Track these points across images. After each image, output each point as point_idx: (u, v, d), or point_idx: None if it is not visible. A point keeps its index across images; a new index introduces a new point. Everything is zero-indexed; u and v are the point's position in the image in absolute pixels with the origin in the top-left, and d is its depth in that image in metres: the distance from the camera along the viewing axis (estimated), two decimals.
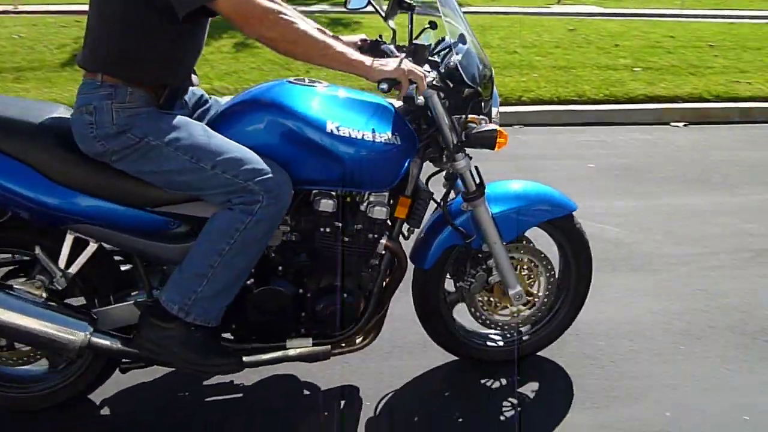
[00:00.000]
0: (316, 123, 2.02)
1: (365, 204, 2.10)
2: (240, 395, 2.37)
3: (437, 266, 2.37)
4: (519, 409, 2.37)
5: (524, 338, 2.57)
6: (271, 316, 2.09)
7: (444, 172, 2.33)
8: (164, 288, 1.99)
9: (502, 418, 2.34)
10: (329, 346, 2.16)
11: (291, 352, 2.12)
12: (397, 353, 2.61)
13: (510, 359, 2.53)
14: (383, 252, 2.18)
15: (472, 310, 2.46)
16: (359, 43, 2.27)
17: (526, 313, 2.49)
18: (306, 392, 2.41)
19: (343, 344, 2.21)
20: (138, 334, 2.01)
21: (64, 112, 2.02)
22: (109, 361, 2.15)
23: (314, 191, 2.07)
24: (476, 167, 2.27)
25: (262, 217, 1.89)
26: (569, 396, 2.45)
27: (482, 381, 2.52)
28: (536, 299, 2.49)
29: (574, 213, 2.47)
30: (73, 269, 2.01)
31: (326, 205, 2.04)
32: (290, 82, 2.11)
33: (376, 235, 2.13)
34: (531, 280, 2.48)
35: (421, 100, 2.13)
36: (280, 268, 2.11)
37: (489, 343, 2.58)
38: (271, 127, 2.01)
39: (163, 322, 1.97)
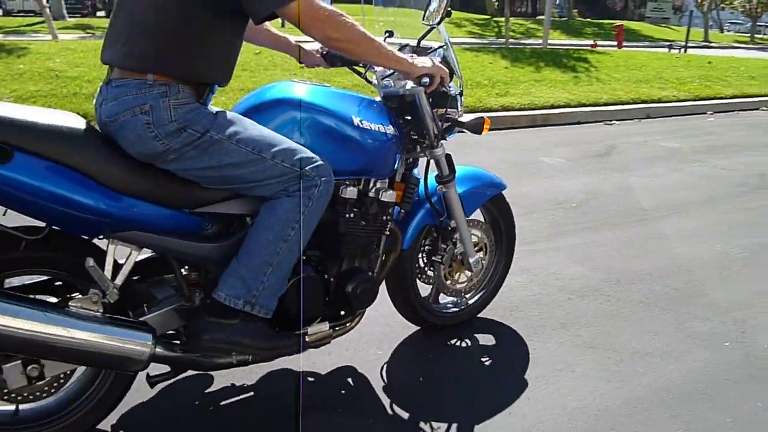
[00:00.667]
0: (345, 117, 2.18)
1: (373, 190, 2.30)
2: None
3: (413, 246, 2.66)
4: (487, 360, 2.70)
5: (470, 302, 2.96)
6: (299, 305, 2.14)
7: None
8: (222, 285, 1.98)
9: (477, 368, 2.63)
10: (331, 330, 2.28)
11: (307, 339, 2.20)
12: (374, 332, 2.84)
13: (462, 321, 2.93)
14: (387, 234, 2.42)
15: (440, 281, 2.80)
16: None
17: (476, 279, 2.91)
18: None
19: (347, 325, 2.36)
20: (197, 338, 1.99)
21: (79, 118, 1.92)
22: (131, 378, 2.08)
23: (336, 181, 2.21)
24: (449, 154, 2.57)
25: (319, 199, 2.01)
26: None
27: (449, 342, 2.83)
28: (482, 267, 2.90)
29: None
30: (119, 280, 1.92)
31: (351, 192, 2.21)
32: (299, 82, 2.25)
33: (387, 217, 2.36)
34: (480, 250, 2.88)
35: (408, 91, 2.37)
36: (304, 257, 2.18)
37: (445, 311, 2.93)
38: (306, 123, 2.12)
39: (225, 318, 1.98)
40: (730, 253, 3.99)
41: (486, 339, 2.85)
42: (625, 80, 10.42)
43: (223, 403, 2.33)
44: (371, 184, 2.32)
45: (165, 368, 2.08)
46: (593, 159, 6.27)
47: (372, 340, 2.76)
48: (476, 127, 2.46)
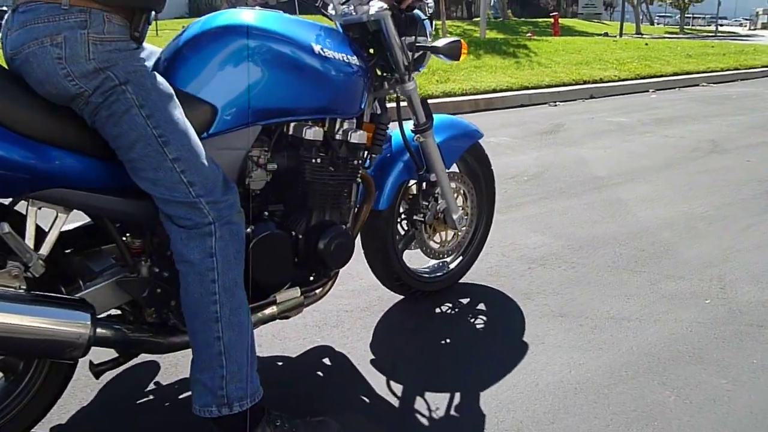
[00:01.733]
0: (304, 44, 1.81)
1: (341, 132, 1.97)
2: None
3: (392, 205, 2.33)
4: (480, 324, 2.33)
5: (452, 266, 2.70)
6: (266, 269, 1.79)
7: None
8: (192, 396, 1.61)
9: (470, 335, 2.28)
10: (303, 297, 1.95)
11: (275, 309, 1.88)
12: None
13: (447, 286, 2.67)
14: (359, 181, 2.08)
15: (424, 243, 2.50)
16: None
17: (459, 238, 2.64)
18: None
19: (317, 291, 2.02)
20: None
21: None
22: (71, 367, 1.70)
23: (292, 122, 1.86)
24: (425, 98, 2.24)
25: (223, 251, 1.56)
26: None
27: (437, 310, 2.53)
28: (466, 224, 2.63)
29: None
30: (44, 250, 1.53)
31: (315, 134, 1.85)
32: (247, 8, 1.88)
33: (358, 162, 2.02)
34: (462, 205, 2.59)
35: (372, 17, 2.04)
36: (265, 213, 1.84)
37: (428, 275, 2.63)
38: (257, 52, 1.73)
39: (221, 428, 1.62)
40: (695, 213, 3.73)
41: (442, 318, 2.49)
42: (565, 63, 10.28)
43: (182, 395, 1.96)
44: (337, 125, 1.97)
45: (111, 354, 1.74)
46: (541, 136, 6.01)
47: (334, 318, 2.37)
48: (452, 51, 2.13)
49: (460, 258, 2.71)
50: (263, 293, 1.85)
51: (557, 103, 8.13)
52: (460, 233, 2.62)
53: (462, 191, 2.60)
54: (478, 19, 22.72)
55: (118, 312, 1.76)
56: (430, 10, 2.25)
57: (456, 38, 2.17)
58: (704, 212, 3.75)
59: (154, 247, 1.68)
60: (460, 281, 2.72)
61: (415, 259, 2.63)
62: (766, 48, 16.14)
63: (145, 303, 1.68)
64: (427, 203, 2.41)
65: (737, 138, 6.01)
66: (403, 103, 2.23)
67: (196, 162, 1.55)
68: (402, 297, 2.58)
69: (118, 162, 1.54)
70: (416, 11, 2.17)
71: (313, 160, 1.89)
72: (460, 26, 28.41)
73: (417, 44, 2.14)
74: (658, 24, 48.69)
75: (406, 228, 2.50)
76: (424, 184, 2.38)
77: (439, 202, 2.44)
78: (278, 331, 2.31)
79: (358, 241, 2.25)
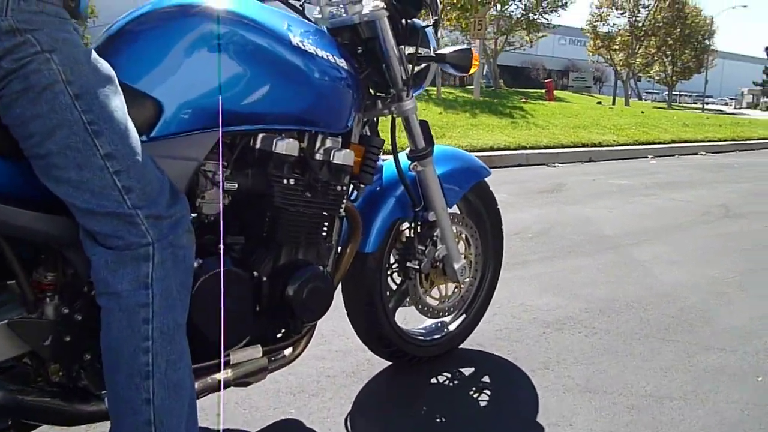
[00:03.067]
0: (281, 35, 1.44)
1: (321, 150, 1.57)
2: None
3: (380, 248, 1.90)
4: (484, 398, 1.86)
5: (450, 327, 2.26)
6: (217, 318, 1.33)
7: None
8: None
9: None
10: (266, 359, 1.52)
11: (229, 373, 1.44)
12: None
13: (446, 351, 2.22)
14: (342, 214, 1.67)
15: (419, 297, 2.06)
16: None
17: (462, 292, 2.21)
18: None
19: (286, 352, 1.60)
20: None
21: None
22: None
23: (261, 132, 1.46)
24: (425, 121, 1.87)
25: (162, 282, 1.15)
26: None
27: (434, 380, 2.06)
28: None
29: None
30: None
31: (289, 147, 1.45)
32: None
33: (342, 188, 1.61)
34: (465, 252, 2.17)
35: (367, 17, 1.69)
36: (220, 245, 1.38)
37: (422, 338, 2.19)
38: (223, 40, 1.35)
39: None
40: (720, 277, 3.33)
41: (440, 390, 2.04)
42: (563, 126, 10.07)
43: None
44: (318, 142, 1.57)
45: None
46: (542, 195, 5.65)
47: (316, 382, 1.91)
48: (462, 60, 1.80)
49: (462, 317, 2.28)
50: (213, 350, 1.41)
51: (556, 164, 7.83)
52: (462, 286, 2.19)
53: (464, 236, 2.18)
54: (470, 86, 22.83)
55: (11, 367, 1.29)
56: (435, 18, 1.90)
57: (466, 46, 1.81)
58: (730, 277, 3.35)
59: (66, 279, 1.24)
60: (462, 346, 2.28)
61: (407, 318, 2.20)
62: (761, 121, 16.16)
63: (48, 355, 1.23)
64: (423, 248, 1.99)
65: (747, 204, 5.68)
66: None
67: (136, 162, 1.14)
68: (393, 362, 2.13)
69: (22, 159, 1.12)
70: (416, 20, 1.82)
71: (285, 181, 1.49)
72: (453, 92, 28.60)
73: (419, 55, 1.77)
74: (645, 100, 49.49)
75: (398, 279, 2.07)
76: (420, 224, 1.97)
77: (438, 247, 2.03)
78: (243, 398, 1.86)
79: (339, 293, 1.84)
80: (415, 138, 1.88)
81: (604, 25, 37.54)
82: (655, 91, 55.63)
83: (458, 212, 2.22)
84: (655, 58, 38.88)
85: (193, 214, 1.45)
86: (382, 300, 1.97)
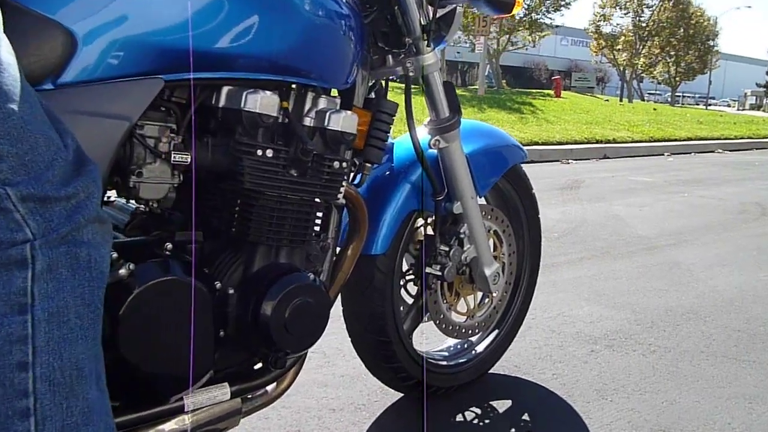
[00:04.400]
0: None
1: (313, 111, 1.13)
2: None
3: (391, 249, 1.46)
4: None
5: (478, 348, 1.80)
6: (161, 349, 0.96)
7: None
8: None
9: None
10: (239, 401, 1.10)
11: (186, 422, 1.01)
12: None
13: (474, 377, 1.76)
14: (341, 201, 1.23)
15: (441, 312, 1.60)
16: None
17: (494, 303, 1.75)
18: None
19: (267, 389, 1.17)
20: None
21: None
22: None
23: (226, 83, 1.02)
24: (450, 83, 1.43)
25: (54, 302, 0.71)
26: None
27: (459, 417, 1.59)
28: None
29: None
30: None
31: (264, 103, 1.01)
32: None
33: (342, 167, 1.16)
34: (496, 253, 1.70)
35: None
36: (167, 245, 0.98)
37: (446, 362, 1.74)
38: None
39: None
40: None
41: (478, 429, 1.58)
42: (575, 122, 9.63)
43: None
44: (308, 99, 1.13)
45: None
46: (561, 191, 5.20)
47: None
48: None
49: (494, 334, 1.82)
50: (158, 394, 0.96)
51: (570, 160, 7.38)
52: (494, 296, 1.73)
53: (493, 232, 1.72)
54: (472, 87, 22.46)
55: None
56: None
57: None
58: None
59: None
60: (493, 369, 1.83)
61: (423, 335, 1.75)
62: None
63: None
64: (447, 248, 1.53)
65: None
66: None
67: (8, 115, 0.69)
68: None
69: None
70: None
71: (260, 153, 1.03)
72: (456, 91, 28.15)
73: None
74: (648, 101, 49.09)
75: (414, 289, 1.62)
76: (442, 217, 1.52)
77: (465, 247, 1.57)
78: None
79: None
80: (437, 104, 1.43)
81: (607, 25, 37.17)
82: (657, 92, 55.19)
83: (485, 203, 1.77)
84: (659, 58, 38.47)
85: (122, 200, 1.00)
86: (394, 318, 1.51)
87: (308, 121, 1.12)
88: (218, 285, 1.02)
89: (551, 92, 23.55)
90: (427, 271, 1.51)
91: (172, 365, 0.95)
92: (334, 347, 1.87)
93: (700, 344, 2.13)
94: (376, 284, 1.46)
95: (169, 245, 0.97)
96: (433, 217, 1.52)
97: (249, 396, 1.14)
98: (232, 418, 1.09)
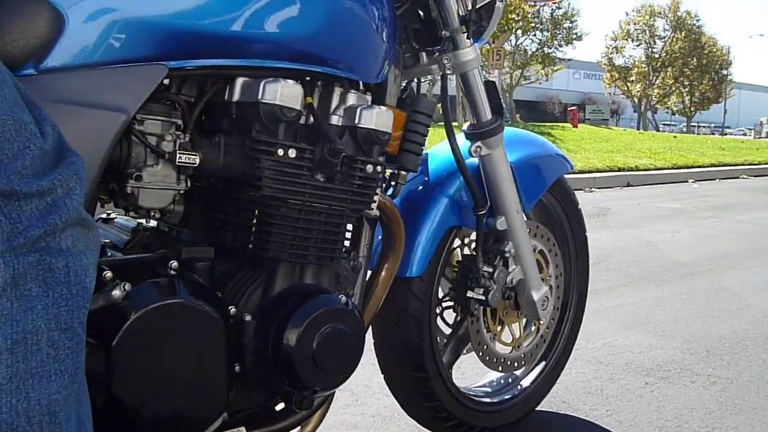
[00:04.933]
0: None
1: (341, 108, 0.99)
2: None
3: (429, 271, 1.30)
4: None
5: (523, 383, 1.62)
6: (164, 384, 0.80)
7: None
8: None
9: None
10: None
11: None
12: None
13: (520, 417, 1.58)
14: (374, 212, 1.08)
15: (484, 342, 1.42)
16: None
17: (541, 332, 1.57)
18: None
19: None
20: None
21: None
22: None
23: (240, 73, 0.88)
24: (492, 83, 1.28)
25: (20, 329, 0.55)
26: None
27: None
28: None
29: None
30: None
31: (286, 95, 0.87)
32: None
33: (377, 171, 1.01)
34: (542, 275, 1.51)
35: None
36: (171, 263, 0.83)
37: (492, 398, 1.57)
38: None
39: None
40: None
41: None
42: (595, 150, 9.47)
43: None
44: (336, 94, 0.99)
45: None
46: (588, 219, 4.96)
47: None
48: None
49: (540, 366, 1.64)
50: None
51: (593, 189, 7.20)
52: (541, 324, 1.56)
53: (538, 251, 1.55)
54: None
55: None
56: None
57: None
58: None
59: None
60: (539, 407, 1.64)
61: (460, 368, 1.57)
62: None
63: None
64: (491, 270, 1.35)
65: None
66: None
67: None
68: None
69: None
70: None
71: (281, 153, 0.88)
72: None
73: None
74: (662, 131, 48.89)
75: (449, 317, 1.45)
76: (485, 235, 1.35)
77: (510, 268, 1.40)
78: None
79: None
80: (477, 106, 1.29)
81: (619, 56, 37.20)
82: (672, 123, 54.98)
83: (527, 218, 1.60)
84: (673, 88, 38.37)
85: (117, 212, 0.86)
86: (432, 349, 1.34)
87: (336, 119, 0.97)
88: (232, 310, 0.86)
89: (567, 124, 23.52)
90: (468, 295, 1.34)
91: (178, 407, 0.78)
92: (362, 384, 1.70)
93: (763, 374, 1.93)
94: (411, 311, 1.30)
95: (174, 263, 0.82)
96: (474, 235, 1.36)
97: None
98: None
